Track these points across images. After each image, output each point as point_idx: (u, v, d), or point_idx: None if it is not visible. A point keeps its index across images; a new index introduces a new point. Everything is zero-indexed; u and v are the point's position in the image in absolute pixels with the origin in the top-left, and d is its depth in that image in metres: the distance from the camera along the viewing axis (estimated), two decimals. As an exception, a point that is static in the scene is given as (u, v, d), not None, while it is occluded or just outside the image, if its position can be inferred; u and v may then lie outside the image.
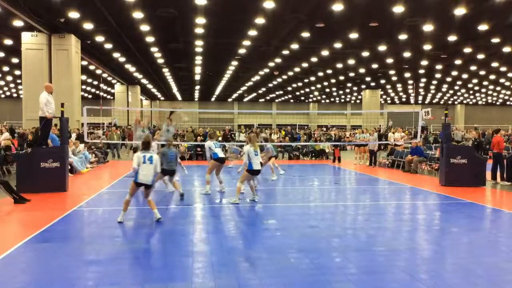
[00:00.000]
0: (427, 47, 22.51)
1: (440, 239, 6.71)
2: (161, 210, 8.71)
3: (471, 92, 47.89)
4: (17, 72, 31.92)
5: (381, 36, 20.73)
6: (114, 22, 17.88)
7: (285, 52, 24.14)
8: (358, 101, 55.04)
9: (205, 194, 10.49)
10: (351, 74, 33.74)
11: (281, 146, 21.72)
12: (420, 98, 54.03)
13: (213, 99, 55.22)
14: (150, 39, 20.93)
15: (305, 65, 29.14)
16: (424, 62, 27.99)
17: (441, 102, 58.81)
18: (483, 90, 45.74)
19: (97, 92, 41.03)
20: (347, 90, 46.64)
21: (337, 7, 15.31)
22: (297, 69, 31.13)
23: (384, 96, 51.72)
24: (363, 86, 40.47)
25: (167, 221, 7.61)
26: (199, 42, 21.97)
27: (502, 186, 12.34)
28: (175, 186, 10.03)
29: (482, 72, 32.61)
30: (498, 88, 43.95)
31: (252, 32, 19.31)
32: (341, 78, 36.10)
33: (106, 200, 9.98)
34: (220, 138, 23.16)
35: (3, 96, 51.33)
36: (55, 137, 13.10)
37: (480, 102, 59.16)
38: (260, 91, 46.23)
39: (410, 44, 22.22)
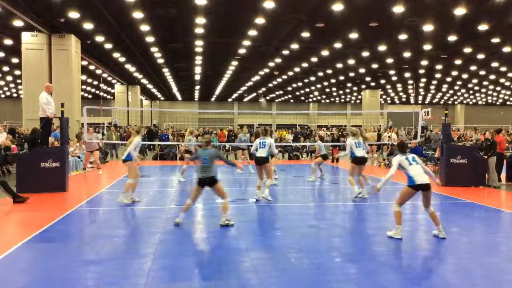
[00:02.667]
0: (427, 47, 22.51)
1: (440, 239, 6.70)
2: (161, 210, 8.73)
3: (471, 92, 47.89)
4: (17, 72, 31.90)
5: (381, 36, 20.72)
6: (114, 22, 17.87)
7: (285, 52, 24.14)
8: (358, 101, 55.02)
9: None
10: (351, 74, 33.73)
11: (281, 146, 21.74)
12: (420, 98, 54.01)
13: (213, 99, 55.22)
14: (150, 39, 20.93)
15: (305, 65, 29.13)
16: (424, 62, 27.98)
17: (441, 102, 58.79)
18: (483, 90, 45.74)
19: (97, 92, 41.01)
20: (347, 90, 46.63)
21: (337, 7, 15.30)
22: (297, 69, 31.12)
23: (384, 96, 51.70)
24: (363, 86, 40.46)
25: (167, 221, 7.60)
26: (199, 42, 21.96)
27: (501, 186, 12.33)
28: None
29: (482, 72, 32.61)
30: (498, 88, 43.95)
31: (252, 32, 19.31)
32: (341, 78, 36.09)
33: (106, 200, 9.98)
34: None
35: (3, 96, 51.30)
36: (58, 135, 13.10)
37: (480, 102, 59.16)
38: (260, 91, 46.23)
39: (410, 44, 22.21)
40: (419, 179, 6.34)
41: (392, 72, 32.89)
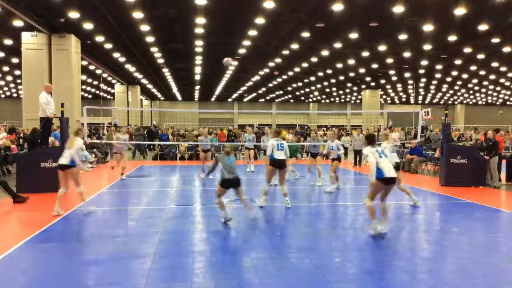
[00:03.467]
0: (427, 47, 22.50)
1: (440, 239, 6.71)
2: (161, 210, 8.73)
3: (471, 92, 47.89)
4: (17, 72, 31.90)
5: (381, 36, 20.72)
6: (114, 22, 17.87)
7: (285, 52, 24.14)
8: (358, 101, 55.03)
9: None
10: (351, 74, 33.74)
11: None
12: (420, 98, 54.01)
13: (213, 99, 55.22)
14: (150, 39, 20.93)
15: (305, 65, 29.13)
16: (424, 62, 27.99)
17: (441, 102, 58.80)
18: (483, 90, 45.74)
19: (97, 92, 41.02)
20: (347, 90, 46.63)
21: (337, 7, 15.31)
22: (297, 69, 31.13)
23: (384, 96, 51.70)
24: (363, 86, 40.46)
25: (167, 221, 7.61)
26: (199, 42, 21.96)
27: (501, 186, 12.33)
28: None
29: (482, 72, 32.61)
30: (498, 88, 43.95)
31: (252, 32, 19.31)
32: (341, 78, 36.10)
33: (106, 200, 9.98)
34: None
35: (3, 96, 51.31)
36: (58, 135, 13.10)
37: (480, 102, 59.16)
38: (260, 91, 46.23)
39: (410, 44, 22.21)
40: (388, 172, 6.38)
41: (392, 72, 32.88)
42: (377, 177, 6.40)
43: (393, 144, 8.89)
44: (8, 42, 21.82)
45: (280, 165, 8.63)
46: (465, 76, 34.68)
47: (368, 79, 36.05)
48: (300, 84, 40.38)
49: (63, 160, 7.99)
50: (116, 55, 25.39)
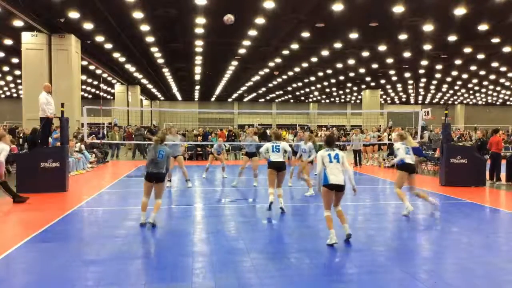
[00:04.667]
0: (427, 47, 22.50)
1: (440, 239, 6.71)
2: (161, 210, 8.73)
3: (471, 92, 47.88)
4: (17, 72, 31.88)
5: (381, 36, 20.72)
6: (114, 22, 17.87)
7: (285, 52, 24.13)
8: (358, 101, 55.04)
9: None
10: (351, 74, 33.73)
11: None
12: (420, 98, 54.00)
13: (213, 99, 55.21)
14: (150, 39, 20.93)
15: (305, 65, 29.13)
16: (424, 62, 27.98)
17: (441, 102, 58.78)
18: (483, 90, 45.73)
19: (97, 92, 41.01)
20: (347, 90, 46.62)
21: (337, 7, 15.31)
22: (297, 69, 31.12)
23: (384, 96, 51.69)
24: (363, 86, 40.46)
25: (167, 221, 7.61)
26: (199, 42, 21.96)
27: (500, 186, 12.33)
28: None
29: (482, 72, 32.60)
30: (498, 88, 43.94)
31: (252, 32, 19.31)
32: (341, 78, 36.09)
33: (106, 200, 9.98)
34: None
35: (3, 96, 51.29)
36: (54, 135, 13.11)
37: (480, 102, 59.15)
38: (260, 91, 46.23)
39: (410, 44, 22.21)
40: (333, 178, 5.98)
41: (392, 72, 32.88)
42: (323, 183, 6.04)
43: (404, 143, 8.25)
44: (8, 42, 21.81)
45: (279, 168, 8.40)
46: (465, 76, 34.67)
47: (368, 79, 36.04)
48: (300, 84, 40.37)
49: None
50: (116, 55, 25.39)
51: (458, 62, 27.62)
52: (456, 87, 43.69)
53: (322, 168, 6.12)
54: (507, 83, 39.04)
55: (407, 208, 8.01)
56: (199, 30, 19.29)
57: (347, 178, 6.17)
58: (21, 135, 19.70)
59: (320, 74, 33.64)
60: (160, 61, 27.54)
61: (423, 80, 38.03)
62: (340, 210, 6.30)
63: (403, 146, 8.19)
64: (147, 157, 7.52)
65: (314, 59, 26.96)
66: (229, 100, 56.32)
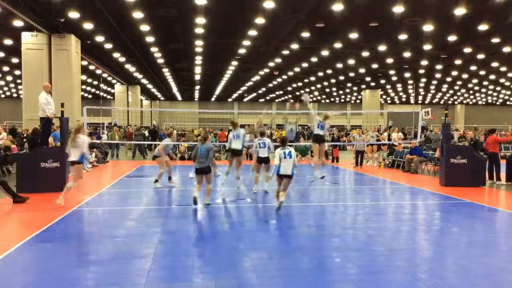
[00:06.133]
0: (427, 47, 22.51)
1: (440, 239, 6.71)
2: (161, 210, 8.73)
3: (471, 92, 47.89)
4: (17, 72, 31.92)
5: (381, 36, 20.73)
6: (114, 22, 17.88)
7: (285, 52, 24.14)
8: (358, 101, 55.04)
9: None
10: (351, 74, 33.74)
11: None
12: (420, 98, 54.01)
13: (213, 99, 55.21)
14: (150, 39, 20.93)
15: (305, 65, 29.14)
16: (424, 62, 28.00)
17: (441, 102, 58.80)
18: (483, 90, 45.75)
19: (97, 92, 41.02)
20: (347, 90, 46.64)
21: (337, 7, 15.32)
22: (297, 69, 31.13)
23: (384, 96, 51.70)
24: (363, 86, 40.47)
25: (167, 221, 7.61)
26: (199, 42, 21.97)
27: (500, 186, 12.33)
28: None
29: (482, 72, 32.62)
30: (498, 88, 43.96)
31: (252, 32, 19.31)
32: (341, 78, 36.11)
33: (106, 200, 9.98)
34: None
35: (3, 96, 51.31)
36: (58, 135, 13.09)
37: (480, 102, 59.16)
38: (260, 91, 46.23)
39: (410, 44, 22.22)
40: (283, 169, 8.24)
41: (392, 72, 32.89)
42: (276, 172, 8.34)
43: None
44: (8, 42, 21.83)
45: (264, 161, 10.28)
46: (465, 76, 34.69)
47: (368, 79, 36.06)
48: (300, 84, 40.38)
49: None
50: (116, 55, 25.40)
51: (458, 62, 27.64)
52: (456, 87, 43.71)
53: (278, 162, 8.30)
54: (507, 83, 39.05)
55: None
56: (199, 30, 19.29)
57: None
58: (25, 135, 19.69)
59: (320, 74, 33.65)
60: (160, 61, 27.55)
61: (423, 80, 38.05)
62: (284, 194, 8.46)
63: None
64: (191, 154, 9.67)
65: (314, 59, 26.98)
66: (229, 100, 56.32)
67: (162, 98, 55.14)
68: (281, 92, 47.87)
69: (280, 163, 8.18)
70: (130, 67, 30.26)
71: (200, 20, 17.46)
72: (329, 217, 8.35)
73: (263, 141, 10.26)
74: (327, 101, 59.70)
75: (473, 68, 30.27)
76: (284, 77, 35.20)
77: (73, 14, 16.54)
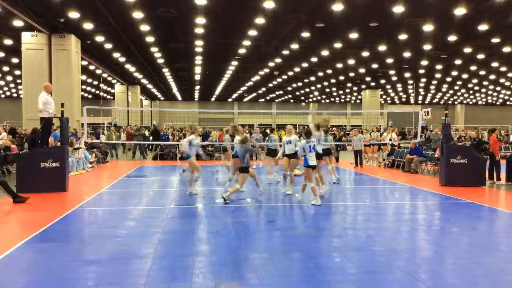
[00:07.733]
0: (427, 47, 22.51)
1: (440, 239, 6.71)
2: (161, 210, 8.73)
3: (471, 92, 47.88)
4: (17, 72, 31.91)
5: (381, 36, 20.72)
6: (114, 22, 17.87)
7: (285, 52, 24.13)
8: (358, 101, 55.04)
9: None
10: (351, 74, 33.73)
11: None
12: (420, 98, 54.00)
13: (213, 99, 55.20)
14: (150, 39, 20.93)
15: (305, 65, 29.13)
16: (424, 62, 27.98)
17: (441, 102, 58.79)
18: (483, 90, 45.74)
19: (97, 92, 41.00)
20: (347, 90, 46.62)
21: (337, 7, 15.31)
22: (297, 69, 31.12)
23: (384, 96, 51.69)
24: (363, 86, 40.46)
25: (167, 221, 7.61)
26: (199, 42, 21.96)
27: (501, 186, 12.34)
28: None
29: (482, 72, 32.61)
30: (498, 88, 43.95)
31: (252, 32, 19.31)
32: (341, 78, 36.10)
33: (106, 200, 9.98)
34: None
35: (3, 96, 51.30)
36: (58, 135, 13.10)
37: (480, 102, 59.16)
38: (260, 91, 46.23)
39: (410, 44, 22.21)
40: (311, 161, 9.06)
41: (392, 72, 32.88)
42: (305, 165, 9.19)
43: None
44: (8, 42, 21.82)
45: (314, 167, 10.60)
46: (465, 76, 34.68)
47: (368, 79, 36.05)
48: (300, 84, 40.38)
49: None
50: (116, 55, 25.39)
51: (458, 62, 27.63)
52: (456, 87, 43.69)
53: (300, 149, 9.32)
54: (507, 83, 39.05)
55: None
56: (199, 30, 19.29)
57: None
58: (21, 136, 19.68)
59: (320, 74, 33.63)
60: (160, 61, 27.54)
61: (423, 80, 38.03)
62: (318, 176, 10.00)
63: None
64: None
65: (314, 59, 26.96)
66: (229, 100, 56.31)
67: (162, 98, 55.11)
68: (281, 92, 47.87)
69: (306, 155, 8.98)
70: (130, 67, 30.25)
71: (200, 20, 17.46)
72: (329, 217, 8.35)
73: (312, 143, 9.25)
74: (327, 101, 59.69)
75: (473, 68, 30.26)
76: (284, 77, 35.19)
77: (73, 14, 16.54)
